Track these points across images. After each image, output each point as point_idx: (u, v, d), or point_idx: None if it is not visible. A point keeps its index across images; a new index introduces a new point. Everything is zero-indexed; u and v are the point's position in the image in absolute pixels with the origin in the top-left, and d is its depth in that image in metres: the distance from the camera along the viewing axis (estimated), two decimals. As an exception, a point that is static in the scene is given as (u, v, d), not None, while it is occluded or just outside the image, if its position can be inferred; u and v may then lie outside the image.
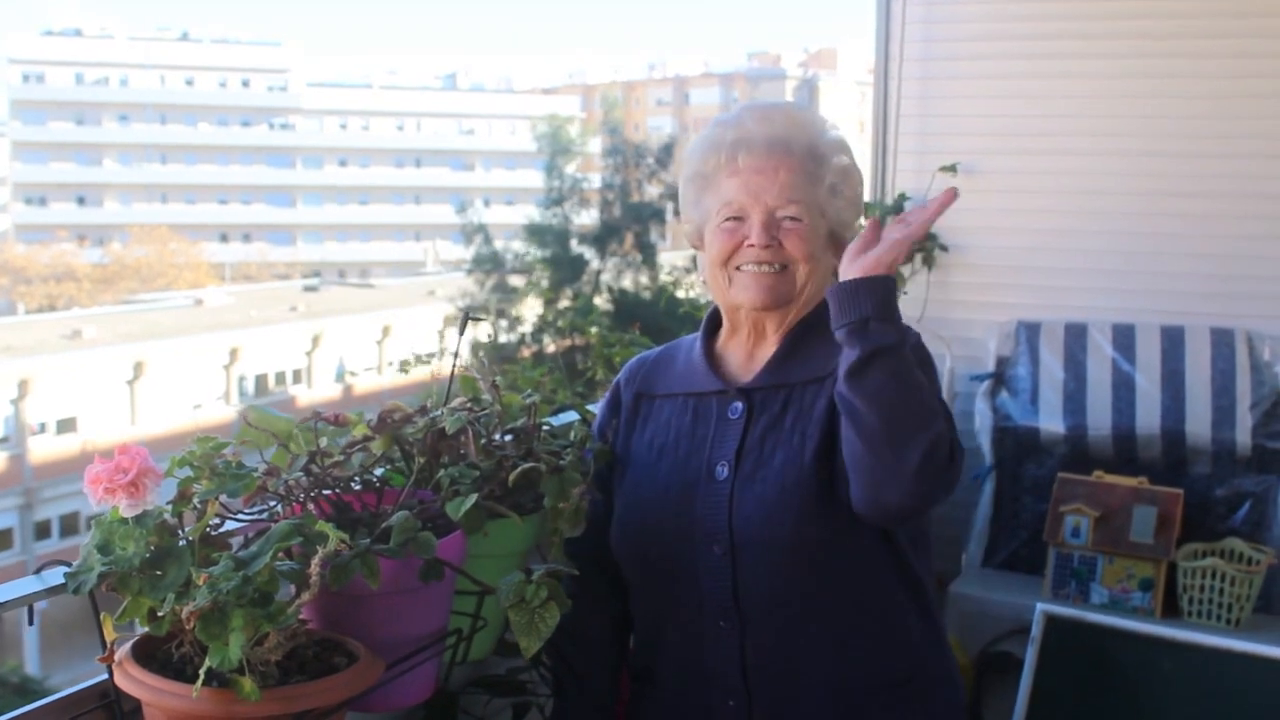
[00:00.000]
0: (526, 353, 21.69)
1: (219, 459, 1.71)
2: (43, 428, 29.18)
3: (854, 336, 1.77)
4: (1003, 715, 3.00)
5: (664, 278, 27.54)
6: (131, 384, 30.95)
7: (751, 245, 1.96)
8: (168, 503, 1.64)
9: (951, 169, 3.82)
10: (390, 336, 36.57)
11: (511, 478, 1.86)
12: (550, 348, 21.44)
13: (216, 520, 1.68)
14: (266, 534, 1.58)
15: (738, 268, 2.00)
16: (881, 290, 1.78)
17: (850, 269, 1.81)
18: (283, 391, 34.78)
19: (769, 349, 2.05)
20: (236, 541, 1.71)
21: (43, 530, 27.88)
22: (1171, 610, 3.35)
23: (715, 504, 1.98)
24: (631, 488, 2.10)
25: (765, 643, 1.97)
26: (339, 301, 40.36)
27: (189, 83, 57.97)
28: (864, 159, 3.91)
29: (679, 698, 2.08)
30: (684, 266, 26.05)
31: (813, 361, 2.00)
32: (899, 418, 1.76)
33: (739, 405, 2.03)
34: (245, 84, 59.17)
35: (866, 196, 3.95)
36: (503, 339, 24.57)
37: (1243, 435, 3.49)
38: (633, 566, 2.10)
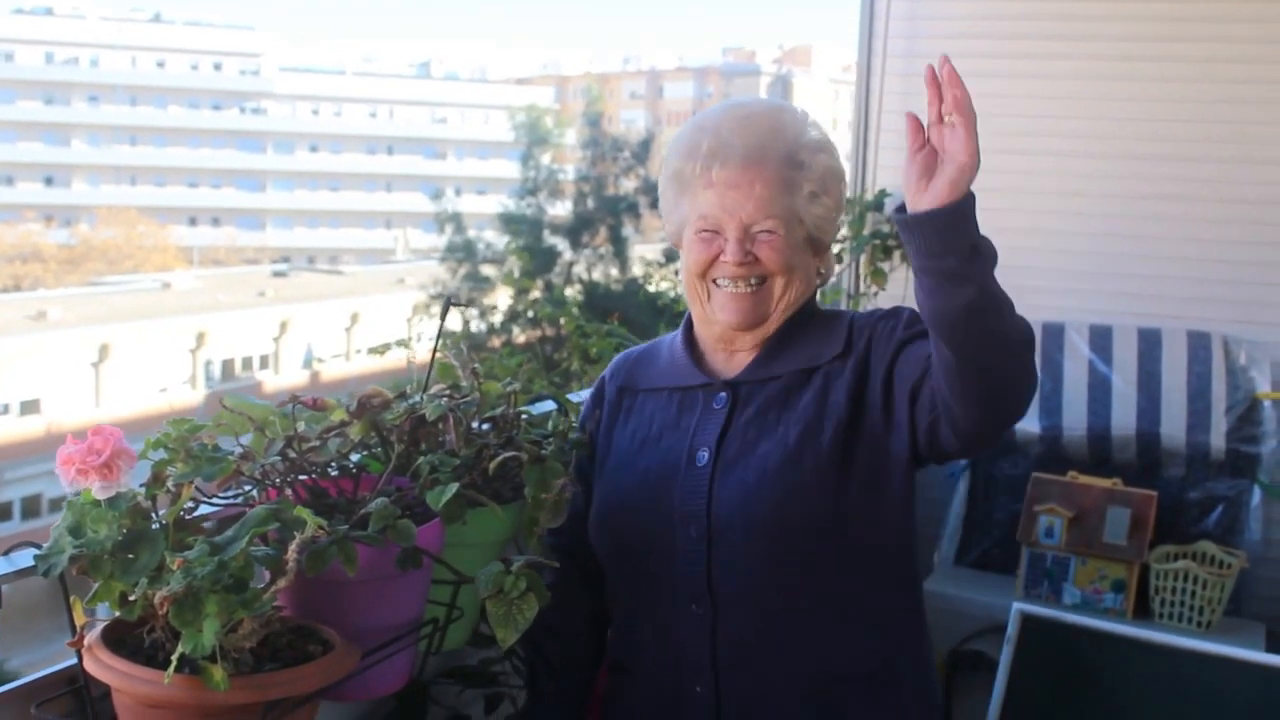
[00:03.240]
0: (496, 342, 21.63)
1: (194, 441, 1.68)
2: (5, 409, 28.97)
3: (964, 267, 1.63)
4: (974, 714, 2.98)
5: (635, 271, 27.52)
6: (96, 366, 30.76)
7: (726, 260, 1.96)
8: (141, 485, 1.61)
9: (932, 166, 3.81)
10: (359, 324, 36.45)
11: (492, 466, 1.84)
12: (520, 338, 21.39)
13: (190, 504, 1.65)
14: (242, 519, 1.55)
15: (715, 281, 1.99)
16: (968, 212, 1.64)
17: (924, 199, 1.63)
18: (249, 377, 34.64)
19: (748, 354, 2.05)
20: (206, 526, 1.68)
21: (4, 512, 27.66)
22: (1143, 612, 3.35)
23: (694, 488, 1.97)
24: (611, 475, 2.09)
25: (737, 628, 1.96)
26: (308, 287, 40.19)
27: (160, 65, 57.45)
28: (844, 156, 3.90)
29: (650, 684, 2.06)
30: (655, 260, 26.05)
31: (798, 354, 2.01)
32: (1011, 324, 1.70)
33: (724, 395, 2.03)
34: (217, 67, 58.72)
35: (847, 193, 3.96)
36: (473, 328, 24.50)
37: (1217, 439, 3.50)
38: (609, 552, 2.09)
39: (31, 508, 27.74)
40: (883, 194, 3.88)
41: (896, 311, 1.99)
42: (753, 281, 1.98)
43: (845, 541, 1.94)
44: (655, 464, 2.03)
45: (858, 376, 1.95)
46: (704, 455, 1.99)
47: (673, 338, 2.17)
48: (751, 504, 1.92)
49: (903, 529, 2.02)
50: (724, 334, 2.05)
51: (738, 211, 1.95)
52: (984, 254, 1.64)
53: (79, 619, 1.56)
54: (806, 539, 1.92)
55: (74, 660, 1.59)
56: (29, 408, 29.24)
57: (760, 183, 1.94)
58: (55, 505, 27.21)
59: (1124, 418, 3.56)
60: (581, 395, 2.39)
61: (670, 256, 26.21)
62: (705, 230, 1.97)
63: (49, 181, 54.90)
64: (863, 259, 3.93)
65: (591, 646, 2.20)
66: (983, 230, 1.66)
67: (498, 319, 24.33)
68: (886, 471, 1.94)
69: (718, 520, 1.94)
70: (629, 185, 29.73)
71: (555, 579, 1.85)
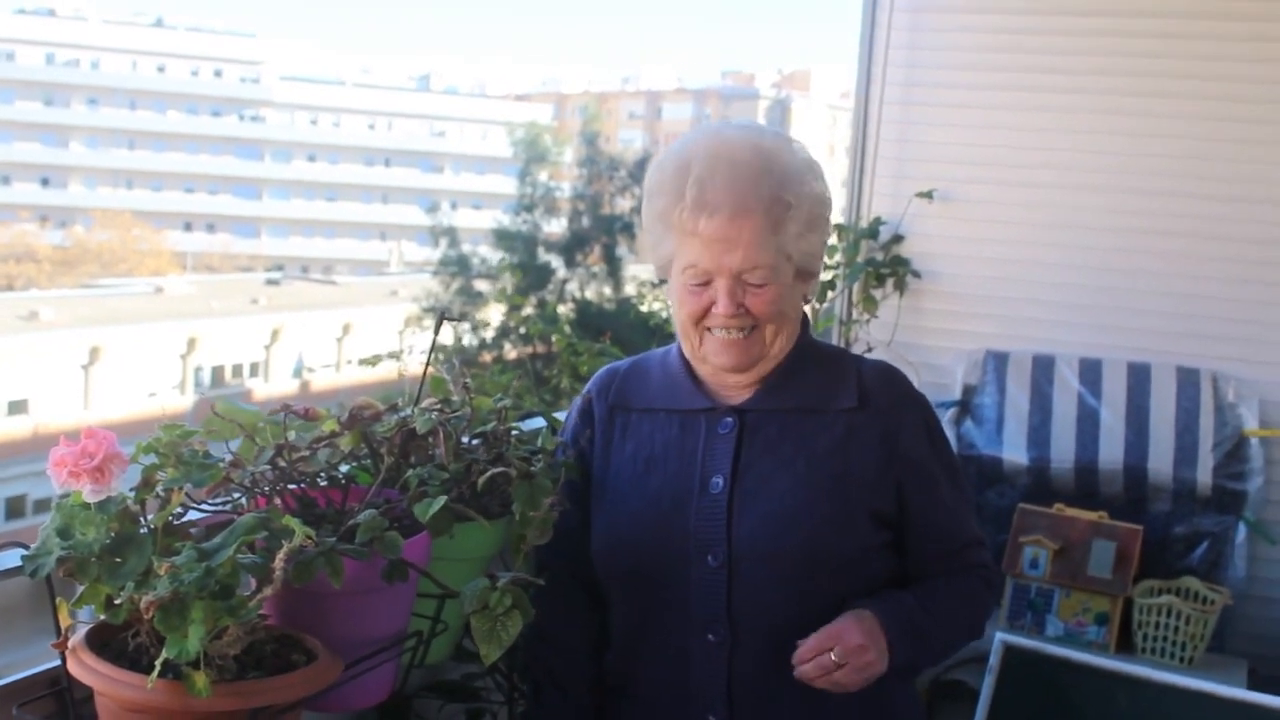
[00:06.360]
0: (487, 357, 21.62)
1: (185, 447, 1.68)
2: (-7, 408, 28.89)
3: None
4: (955, 743, 2.99)
5: (629, 290, 27.53)
6: (87, 368, 30.70)
7: (718, 312, 1.94)
8: (131, 489, 1.61)
9: (928, 195, 3.83)
10: (350, 334, 36.45)
11: (481, 482, 1.84)
12: (511, 354, 21.39)
13: (179, 510, 1.65)
14: (231, 526, 1.55)
15: (708, 329, 1.98)
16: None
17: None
18: (239, 384, 34.56)
19: (744, 381, 2.04)
20: (194, 532, 1.67)
21: (-12, 512, 27.57)
22: (1125, 646, 3.36)
23: (711, 515, 1.97)
24: (618, 501, 2.06)
25: (754, 658, 1.96)
26: (301, 296, 40.16)
27: (161, 69, 57.50)
28: (839, 182, 3.91)
29: (655, 712, 2.05)
30: (649, 280, 26.06)
31: (806, 391, 2.02)
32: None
33: (730, 420, 2.02)
34: (217, 74, 58.77)
35: (842, 219, 3.97)
36: (465, 342, 24.50)
37: (1204, 475, 3.51)
38: (618, 577, 2.07)
39: (16, 508, 27.62)
40: (878, 221, 3.90)
41: (931, 435, 2.07)
42: (745, 329, 1.96)
43: (866, 576, 1.98)
44: (666, 488, 2.02)
45: (883, 461, 2.00)
46: (719, 482, 1.98)
47: (664, 356, 2.15)
48: (779, 537, 1.93)
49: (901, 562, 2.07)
50: (716, 374, 2.04)
51: (726, 262, 1.91)
52: (931, 650, 2.02)
53: (64, 621, 1.56)
54: (834, 574, 1.95)
55: (57, 662, 1.59)
56: (17, 408, 29.17)
57: (748, 229, 1.90)
58: (41, 506, 27.10)
59: (1112, 451, 3.57)
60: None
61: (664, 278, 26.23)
62: (695, 284, 1.95)
63: (45, 182, 54.85)
64: (855, 286, 3.94)
65: (596, 663, 2.15)
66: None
67: (489, 334, 24.34)
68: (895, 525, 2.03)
69: (739, 549, 1.94)
70: (625, 205, 29.79)
71: (555, 596, 1.85)
